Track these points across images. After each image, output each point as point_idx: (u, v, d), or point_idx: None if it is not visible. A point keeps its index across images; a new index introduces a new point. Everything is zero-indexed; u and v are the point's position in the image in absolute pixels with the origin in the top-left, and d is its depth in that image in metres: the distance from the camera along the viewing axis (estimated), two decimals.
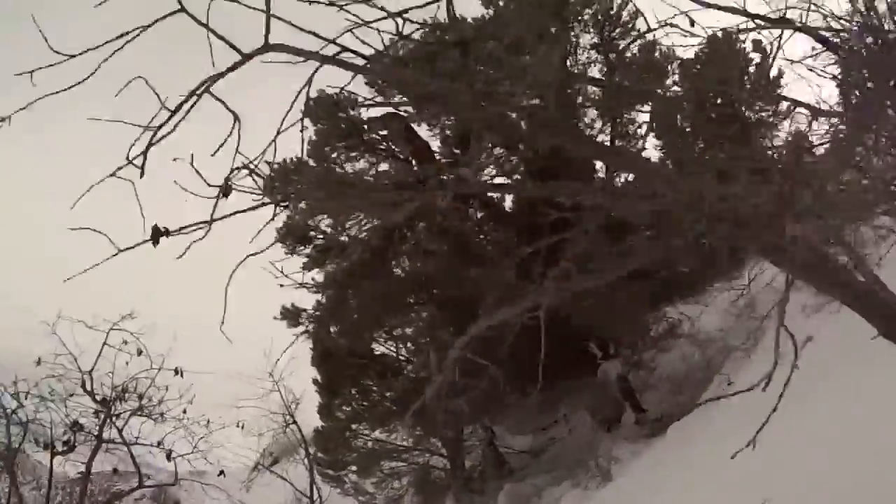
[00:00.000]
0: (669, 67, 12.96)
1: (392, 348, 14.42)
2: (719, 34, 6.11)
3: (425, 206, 12.40)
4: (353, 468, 14.61)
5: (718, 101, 12.42)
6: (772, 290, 12.60)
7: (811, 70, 6.09)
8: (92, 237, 3.17)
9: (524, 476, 13.65)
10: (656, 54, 13.05)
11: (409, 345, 14.40)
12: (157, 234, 3.09)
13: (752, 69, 12.13)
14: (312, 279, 13.43)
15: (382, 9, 3.83)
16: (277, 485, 17.80)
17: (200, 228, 3.23)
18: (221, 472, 13.49)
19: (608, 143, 14.81)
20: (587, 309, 10.10)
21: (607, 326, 12.88)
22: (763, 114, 15.22)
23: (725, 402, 9.57)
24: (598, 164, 14.35)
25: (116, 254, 3.07)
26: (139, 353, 11.88)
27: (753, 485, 4.96)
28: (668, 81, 12.99)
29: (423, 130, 13.28)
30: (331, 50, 3.58)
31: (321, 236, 13.25)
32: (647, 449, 10.54)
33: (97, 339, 11.90)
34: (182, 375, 12.00)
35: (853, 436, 4.57)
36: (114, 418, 12.45)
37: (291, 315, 13.58)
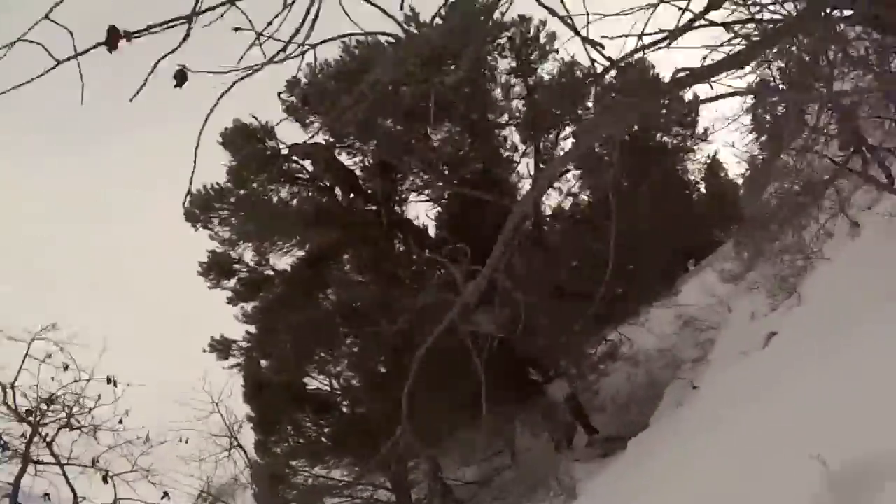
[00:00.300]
0: (590, 87, 12.93)
1: (325, 383, 13.65)
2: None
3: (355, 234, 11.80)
4: None
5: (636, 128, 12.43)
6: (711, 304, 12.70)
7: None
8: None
9: None
10: (576, 74, 13.01)
11: (341, 380, 13.66)
12: (115, 38, 2.28)
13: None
14: (242, 308, 12.68)
15: None
16: None
17: (179, 25, 2.32)
18: (165, 495, 11.93)
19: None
20: (527, 335, 9.68)
21: (548, 352, 12.55)
22: (680, 138, 15.53)
23: (680, 413, 9.39)
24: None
25: (71, 57, 2.25)
26: (66, 367, 10.64)
27: (725, 483, 4.62)
28: (588, 103, 12.97)
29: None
30: None
31: (245, 269, 12.51)
32: (602, 468, 10.22)
33: (19, 351, 10.67)
34: (115, 385, 10.69)
35: (823, 434, 4.23)
36: (41, 432, 11.02)
37: (221, 347, 12.72)
